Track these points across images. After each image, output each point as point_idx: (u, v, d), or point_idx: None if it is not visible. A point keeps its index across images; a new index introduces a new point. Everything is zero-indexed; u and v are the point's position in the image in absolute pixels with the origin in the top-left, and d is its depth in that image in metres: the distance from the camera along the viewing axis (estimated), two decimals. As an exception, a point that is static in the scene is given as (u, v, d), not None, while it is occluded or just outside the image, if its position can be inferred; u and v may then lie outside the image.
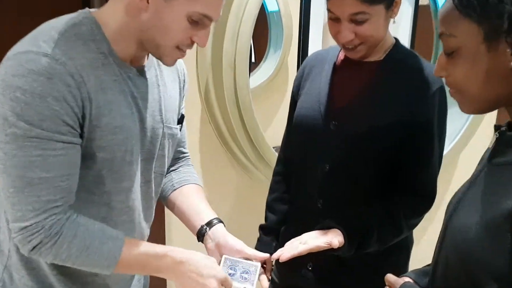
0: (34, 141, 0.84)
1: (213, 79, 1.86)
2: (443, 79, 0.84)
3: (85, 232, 0.92)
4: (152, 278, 1.23)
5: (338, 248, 1.13)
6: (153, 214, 1.17)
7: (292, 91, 1.45)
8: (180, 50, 0.95)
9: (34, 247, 0.88)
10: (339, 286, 1.37)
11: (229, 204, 2.12)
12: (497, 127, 0.83)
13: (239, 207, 2.13)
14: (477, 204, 0.77)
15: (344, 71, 1.32)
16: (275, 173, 1.51)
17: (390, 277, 0.99)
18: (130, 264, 0.97)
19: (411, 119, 1.20)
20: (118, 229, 1.01)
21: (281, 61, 2.27)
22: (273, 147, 2.20)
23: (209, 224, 1.14)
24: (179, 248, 1.01)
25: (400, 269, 1.39)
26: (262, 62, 2.32)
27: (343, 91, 1.30)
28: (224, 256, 1.10)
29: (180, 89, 1.15)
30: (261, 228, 1.49)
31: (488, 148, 0.85)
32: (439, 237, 0.88)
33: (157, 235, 1.96)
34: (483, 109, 0.82)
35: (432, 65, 1.23)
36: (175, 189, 1.22)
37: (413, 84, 1.23)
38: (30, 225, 0.87)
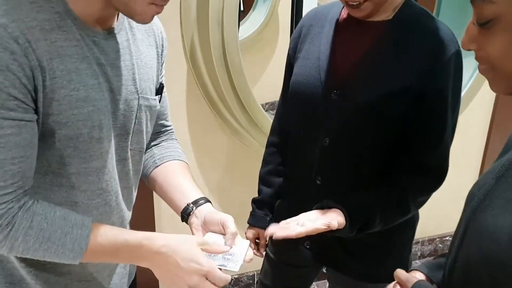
0: None
1: (199, 37, 1.71)
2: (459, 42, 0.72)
3: (43, 222, 0.80)
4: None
5: (338, 229, 1.03)
6: (134, 195, 1.06)
7: (288, 54, 1.30)
8: (156, 5, 0.82)
9: None
10: (337, 264, 1.29)
11: (220, 171, 2.03)
12: None
13: (230, 174, 2.04)
14: (511, 203, 0.67)
15: (347, 32, 1.16)
16: (269, 144, 1.40)
17: (400, 274, 0.88)
18: (99, 255, 0.86)
19: (423, 88, 1.07)
20: (92, 213, 0.91)
21: (272, 10, 2.13)
22: (265, 104, 2.09)
23: (196, 203, 1.04)
24: (156, 235, 0.89)
25: (405, 248, 1.31)
26: (251, 10, 2.18)
27: (346, 55, 1.15)
28: (207, 234, 0.99)
29: (158, 55, 1.02)
30: (254, 201, 1.39)
31: None
32: (458, 232, 0.78)
33: (145, 218, 1.87)
34: None
35: (447, 27, 1.10)
36: (157, 166, 1.11)
37: (426, 47, 1.08)
38: None
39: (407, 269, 1.06)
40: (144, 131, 0.99)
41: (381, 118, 1.10)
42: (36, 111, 0.78)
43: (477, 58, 0.71)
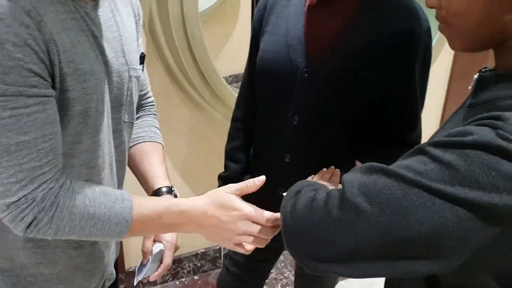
0: (0, 101, 0.69)
1: (157, 9, 1.64)
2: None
3: (85, 199, 0.78)
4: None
5: None
6: (125, 171, 1.05)
7: (253, 27, 1.25)
8: None
9: (29, 225, 0.75)
10: None
11: (185, 147, 1.99)
12: (481, 69, 0.75)
13: (195, 150, 2.01)
14: None
15: (317, 7, 1.11)
16: (235, 119, 1.36)
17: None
18: (143, 226, 0.85)
19: (395, 65, 1.06)
20: None
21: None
22: (228, 76, 2.04)
23: (157, 193, 1.03)
24: (192, 199, 0.87)
25: None
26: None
27: (316, 31, 1.11)
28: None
29: (136, 24, 1.00)
30: (221, 177, 1.37)
31: None
32: None
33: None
34: (475, 48, 0.73)
35: (416, 3, 1.09)
36: (129, 147, 1.08)
37: (400, 24, 1.06)
38: (18, 200, 0.73)
39: None
40: (134, 102, 0.98)
41: (353, 97, 1.09)
42: (53, 87, 0.75)
43: (437, 17, 0.74)
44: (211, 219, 0.85)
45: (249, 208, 0.85)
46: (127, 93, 0.93)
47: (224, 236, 0.86)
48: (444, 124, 0.81)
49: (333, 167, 1.04)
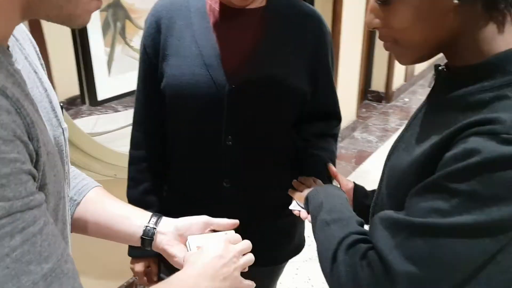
0: (6, 225, 0.48)
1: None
2: None
3: None
4: None
5: None
6: None
7: (147, 53, 1.14)
8: None
9: None
10: None
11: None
12: (436, 66, 0.78)
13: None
14: (411, 144, 0.76)
15: (225, 23, 1.09)
16: (136, 160, 1.24)
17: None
18: None
19: (314, 65, 1.15)
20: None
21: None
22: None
23: (155, 222, 0.92)
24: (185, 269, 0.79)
25: (301, 227, 1.36)
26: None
27: (230, 47, 1.09)
28: (188, 237, 0.90)
29: (41, 65, 0.79)
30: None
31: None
32: (380, 179, 0.87)
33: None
34: (424, 58, 0.75)
35: (308, 3, 1.18)
36: (78, 203, 0.91)
37: (308, 27, 1.14)
38: None
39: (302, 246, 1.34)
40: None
41: (285, 104, 1.13)
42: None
43: (381, 37, 0.75)
44: (209, 274, 0.78)
45: (237, 249, 0.83)
46: (66, 162, 0.75)
47: (227, 277, 0.80)
48: (409, 123, 0.82)
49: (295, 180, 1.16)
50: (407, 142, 0.78)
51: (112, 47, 1.83)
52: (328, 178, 1.17)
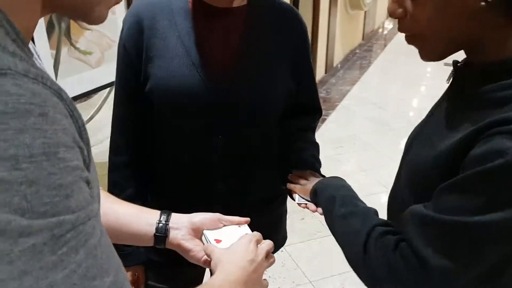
0: (70, 240, 0.43)
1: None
2: None
3: None
4: None
5: None
6: None
7: (125, 51, 1.10)
8: None
9: None
10: None
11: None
12: (455, 63, 0.78)
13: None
14: (431, 139, 0.77)
15: (208, 22, 1.08)
16: (119, 166, 1.19)
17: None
18: None
19: (297, 60, 1.17)
20: None
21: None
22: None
23: (166, 219, 0.91)
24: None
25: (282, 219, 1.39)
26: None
27: (217, 47, 1.08)
28: (203, 232, 0.90)
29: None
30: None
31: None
32: (397, 173, 0.89)
33: None
34: (446, 54, 0.74)
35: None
36: None
37: (290, 23, 1.16)
38: None
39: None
40: None
41: (277, 103, 1.15)
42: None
43: (401, 28, 0.74)
44: (238, 275, 0.78)
45: (253, 247, 0.83)
46: None
47: (256, 282, 0.81)
48: (427, 117, 0.84)
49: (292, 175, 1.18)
50: (427, 138, 0.79)
51: (58, 49, 1.72)
52: (319, 170, 1.20)
